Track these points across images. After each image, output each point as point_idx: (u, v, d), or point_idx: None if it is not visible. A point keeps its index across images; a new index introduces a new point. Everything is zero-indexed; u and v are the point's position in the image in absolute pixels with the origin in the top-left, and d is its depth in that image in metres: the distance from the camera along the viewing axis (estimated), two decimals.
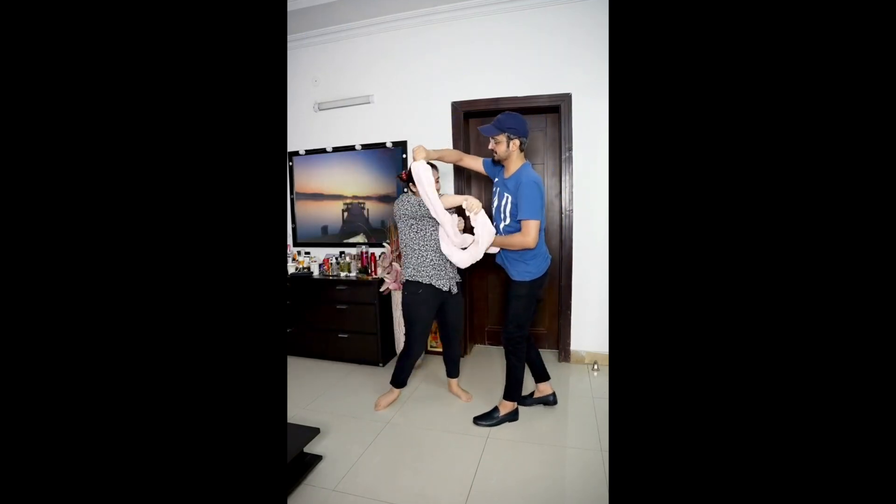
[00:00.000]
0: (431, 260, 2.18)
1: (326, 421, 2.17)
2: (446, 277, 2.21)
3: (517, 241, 1.96)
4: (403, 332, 2.79)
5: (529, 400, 2.29)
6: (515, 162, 2.02)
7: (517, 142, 1.98)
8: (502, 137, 1.97)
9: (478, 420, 2.14)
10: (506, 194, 2.02)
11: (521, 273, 2.03)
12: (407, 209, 2.14)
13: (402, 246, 2.23)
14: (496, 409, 2.17)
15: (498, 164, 2.10)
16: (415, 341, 2.25)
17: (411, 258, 2.19)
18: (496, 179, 2.13)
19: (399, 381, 2.34)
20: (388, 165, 3.16)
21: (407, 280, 2.21)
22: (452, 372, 2.46)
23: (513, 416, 2.16)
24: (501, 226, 2.07)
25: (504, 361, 2.24)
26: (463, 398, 2.41)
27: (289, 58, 3.27)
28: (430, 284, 2.18)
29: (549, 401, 2.28)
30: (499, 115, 2.00)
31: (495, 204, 2.11)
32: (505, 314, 2.09)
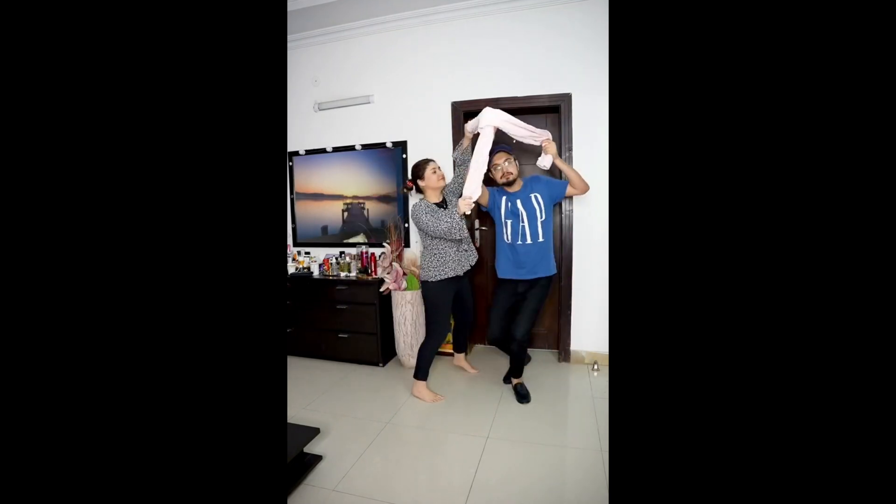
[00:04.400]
0: (451, 255, 2.33)
1: (326, 421, 2.17)
2: (468, 263, 2.40)
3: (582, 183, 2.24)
4: (404, 332, 2.81)
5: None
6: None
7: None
8: (512, 158, 2.26)
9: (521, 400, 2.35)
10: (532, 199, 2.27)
11: (552, 267, 2.32)
12: (425, 215, 2.27)
13: (423, 247, 2.40)
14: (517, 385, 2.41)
15: (501, 186, 2.34)
16: (442, 325, 2.38)
17: (432, 259, 2.32)
18: (504, 199, 2.33)
19: (424, 371, 2.41)
20: (388, 165, 3.16)
21: (427, 281, 2.34)
22: (462, 347, 2.80)
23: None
24: (539, 224, 2.28)
25: (501, 353, 2.58)
26: (469, 370, 2.76)
27: (289, 58, 3.27)
28: (453, 277, 2.34)
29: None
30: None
31: (524, 221, 2.29)
32: (527, 315, 2.26)
